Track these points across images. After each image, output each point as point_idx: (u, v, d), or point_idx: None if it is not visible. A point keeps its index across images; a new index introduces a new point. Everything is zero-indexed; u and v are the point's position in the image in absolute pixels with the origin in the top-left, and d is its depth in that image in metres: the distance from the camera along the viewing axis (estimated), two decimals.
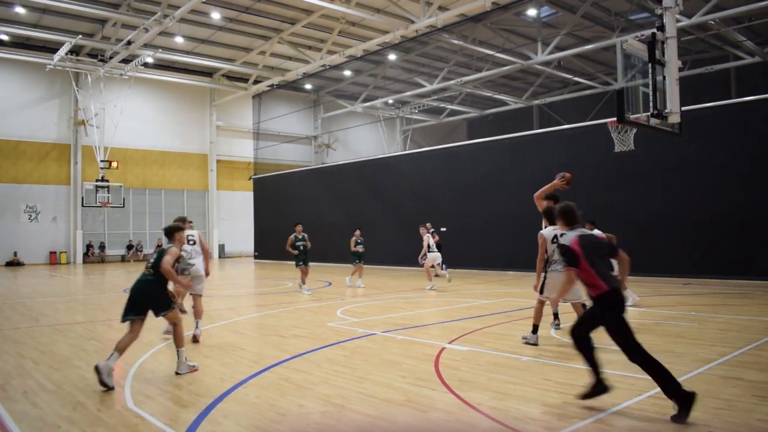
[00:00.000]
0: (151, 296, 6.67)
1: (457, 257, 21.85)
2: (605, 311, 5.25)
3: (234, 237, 37.32)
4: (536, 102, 35.65)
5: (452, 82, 30.54)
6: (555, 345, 7.95)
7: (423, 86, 32.60)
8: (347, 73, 33.91)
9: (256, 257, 32.95)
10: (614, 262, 5.70)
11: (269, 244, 31.36)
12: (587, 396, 5.25)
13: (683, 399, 4.82)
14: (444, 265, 17.05)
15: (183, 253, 8.51)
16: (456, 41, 26.85)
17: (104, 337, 9.39)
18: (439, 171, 23.38)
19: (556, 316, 9.14)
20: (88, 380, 6.57)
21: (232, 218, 37.83)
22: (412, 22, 24.22)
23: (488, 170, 21.63)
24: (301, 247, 14.86)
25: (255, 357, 7.66)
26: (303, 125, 40.19)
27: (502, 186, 20.88)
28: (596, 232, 7.50)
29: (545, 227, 8.09)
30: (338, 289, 16.47)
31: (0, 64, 30.27)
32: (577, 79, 31.25)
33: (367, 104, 36.90)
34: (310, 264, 15.80)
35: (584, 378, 6.12)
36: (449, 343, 8.17)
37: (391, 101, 37.91)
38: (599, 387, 5.22)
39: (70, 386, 6.32)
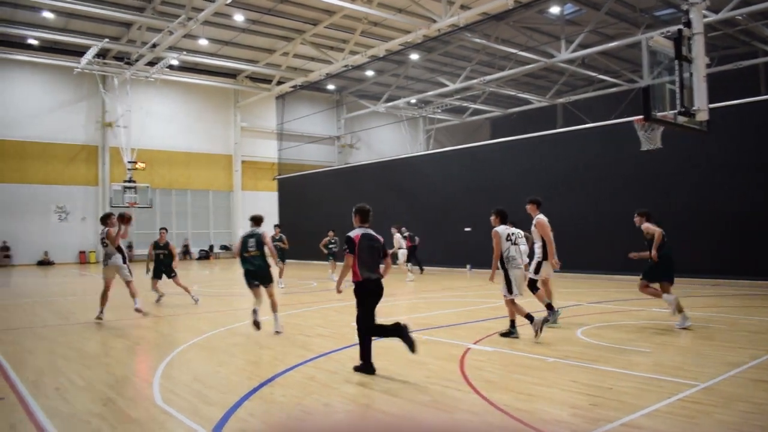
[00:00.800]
0: (266, 270, 9.30)
1: (480, 257, 21.75)
2: (360, 294, 6.86)
3: None
4: (560, 100, 35.34)
5: (475, 81, 30.42)
6: (582, 346, 7.88)
7: (446, 85, 32.53)
8: (369, 73, 33.95)
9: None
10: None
11: (293, 244, 31.51)
12: (358, 369, 6.62)
13: (367, 367, 6.57)
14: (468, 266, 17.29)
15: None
16: (478, 40, 26.74)
17: (132, 335, 9.52)
18: (462, 171, 23.28)
19: (549, 306, 9.12)
20: (118, 377, 6.69)
21: None
22: (434, 21, 24.18)
23: (512, 170, 21.48)
24: (278, 247, 16.63)
25: (280, 356, 7.70)
26: (326, 125, 40.33)
27: (526, 185, 20.66)
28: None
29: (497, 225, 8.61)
30: None
31: (29, 68, 30.81)
32: (601, 76, 30.95)
33: (390, 104, 36.89)
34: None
35: (611, 379, 6.08)
36: (474, 343, 8.14)
37: (413, 101, 37.88)
38: (369, 368, 6.57)
39: (100, 383, 6.42)
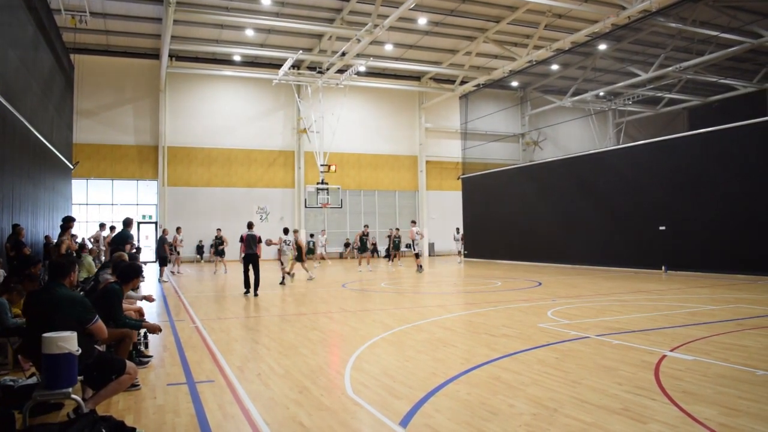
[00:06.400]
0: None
1: (675, 258, 20.31)
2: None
3: (443, 236, 38.06)
4: None
5: (670, 68, 28.36)
6: None
7: (637, 75, 30.68)
8: (555, 67, 32.97)
9: (465, 256, 33.29)
10: None
11: (478, 243, 31.56)
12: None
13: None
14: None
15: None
16: (673, 24, 24.91)
17: (326, 328, 10.13)
18: (655, 165, 21.78)
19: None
20: (312, 367, 7.16)
21: (442, 217, 38.69)
22: (624, 8, 22.91)
23: (712, 163, 19.73)
24: (219, 246, 23.96)
25: (465, 354, 7.77)
26: (510, 123, 39.85)
27: (728, 179, 18.96)
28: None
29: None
30: (549, 289, 16.09)
31: (235, 81, 34.14)
32: None
33: (577, 98, 35.59)
34: None
35: None
36: (671, 350, 7.62)
37: (602, 93, 36.18)
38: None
39: (297, 372, 6.92)
